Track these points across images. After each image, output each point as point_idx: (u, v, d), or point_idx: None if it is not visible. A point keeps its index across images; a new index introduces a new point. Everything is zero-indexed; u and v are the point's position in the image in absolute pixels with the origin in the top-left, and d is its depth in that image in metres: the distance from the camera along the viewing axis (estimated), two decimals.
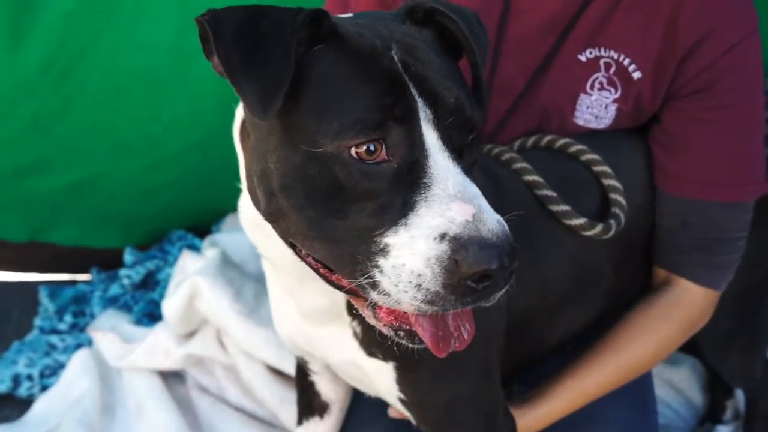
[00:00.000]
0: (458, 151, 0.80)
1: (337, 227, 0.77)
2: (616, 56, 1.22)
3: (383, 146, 0.76)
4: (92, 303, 1.94)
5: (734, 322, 1.41)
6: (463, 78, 0.86)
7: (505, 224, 0.75)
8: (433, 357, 0.83)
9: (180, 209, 2.10)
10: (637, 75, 1.22)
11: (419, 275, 0.72)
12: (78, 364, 1.72)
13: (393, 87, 0.77)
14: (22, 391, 1.72)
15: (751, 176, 1.20)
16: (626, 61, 1.22)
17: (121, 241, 2.11)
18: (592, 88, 1.25)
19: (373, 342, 1.02)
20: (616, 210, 1.19)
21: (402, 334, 0.82)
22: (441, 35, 0.89)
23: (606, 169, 1.22)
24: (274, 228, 0.85)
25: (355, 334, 1.04)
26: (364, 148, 0.75)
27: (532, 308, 1.18)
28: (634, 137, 1.29)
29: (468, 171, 0.80)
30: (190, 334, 1.72)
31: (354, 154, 0.75)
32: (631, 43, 1.21)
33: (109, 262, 2.11)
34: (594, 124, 1.28)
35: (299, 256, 0.86)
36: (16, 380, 1.73)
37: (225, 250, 1.80)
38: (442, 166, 0.76)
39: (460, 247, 0.70)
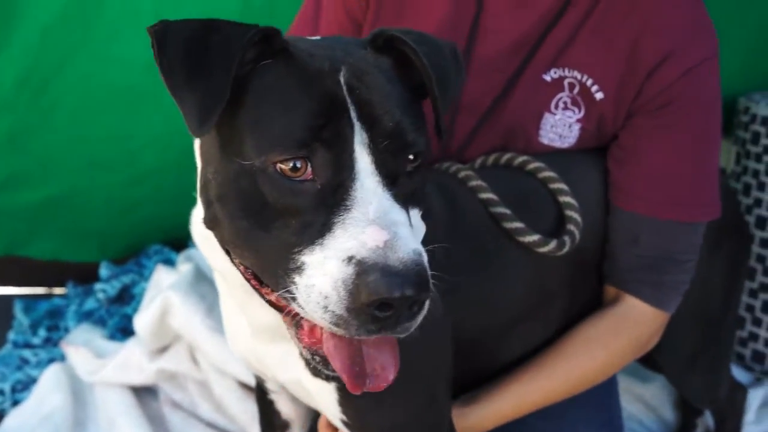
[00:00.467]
0: (392, 177, 0.80)
1: (264, 240, 0.78)
2: (579, 77, 1.24)
3: (308, 165, 0.77)
4: (67, 317, 1.94)
5: (696, 344, 1.42)
6: (415, 105, 0.87)
7: (423, 255, 0.74)
8: None
9: (157, 223, 2.11)
10: (599, 95, 1.24)
11: (326, 297, 0.72)
12: (50, 379, 1.72)
13: (328, 108, 0.77)
14: None
15: (702, 198, 1.22)
16: (589, 82, 1.24)
17: (97, 255, 2.11)
18: (556, 107, 1.27)
19: None
20: (571, 227, 1.19)
21: (318, 359, 0.82)
22: (405, 64, 0.90)
23: (562, 186, 1.23)
24: (214, 235, 0.86)
25: (301, 353, 1.04)
26: (290, 165, 0.76)
27: (483, 327, 1.18)
28: (592, 156, 1.31)
29: (400, 197, 0.79)
30: (163, 349, 1.72)
31: (279, 170, 0.76)
32: (594, 64, 1.23)
33: (85, 275, 2.10)
34: (558, 143, 1.29)
35: (233, 263, 0.87)
36: None
37: (199, 265, 1.81)
38: (368, 189, 0.76)
39: (363, 272, 0.70)
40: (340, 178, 0.77)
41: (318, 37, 0.94)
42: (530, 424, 1.24)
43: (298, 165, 0.76)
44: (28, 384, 1.76)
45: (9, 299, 2.01)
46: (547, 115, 1.27)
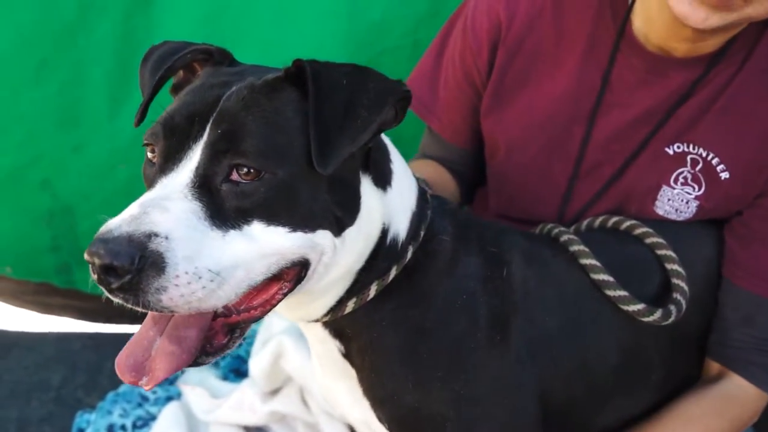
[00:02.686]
0: (210, 176, 0.84)
1: None
2: (704, 154, 1.22)
3: (154, 151, 0.89)
4: None
5: None
6: (292, 130, 0.86)
7: (152, 237, 0.77)
8: None
9: None
10: (725, 175, 1.21)
11: None
12: (169, 417, 1.80)
13: (191, 110, 0.87)
14: None
15: None
16: (715, 161, 1.22)
17: None
18: (675, 181, 1.25)
19: None
20: (677, 296, 1.16)
21: None
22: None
23: (670, 253, 1.20)
24: None
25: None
26: (149, 148, 0.90)
27: (576, 397, 1.16)
28: (703, 226, 1.28)
29: (210, 198, 0.83)
30: (275, 392, 1.79)
31: (148, 150, 0.91)
32: (721, 143, 1.21)
33: None
34: (673, 216, 1.27)
35: None
36: (111, 430, 1.82)
37: None
38: (173, 177, 0.84)
39: None
40: (168, 165, 0.86)
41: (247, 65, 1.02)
42: None
43: (149, 153, 0.90)
44: (147, 420, 1.85)
45: (126, 337, 2.12)
46: (665, 187, 1.26)
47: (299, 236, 0.87)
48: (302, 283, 0.92)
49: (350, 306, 1.01)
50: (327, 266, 0.93)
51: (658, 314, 1.13)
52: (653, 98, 1.24)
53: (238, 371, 1.94)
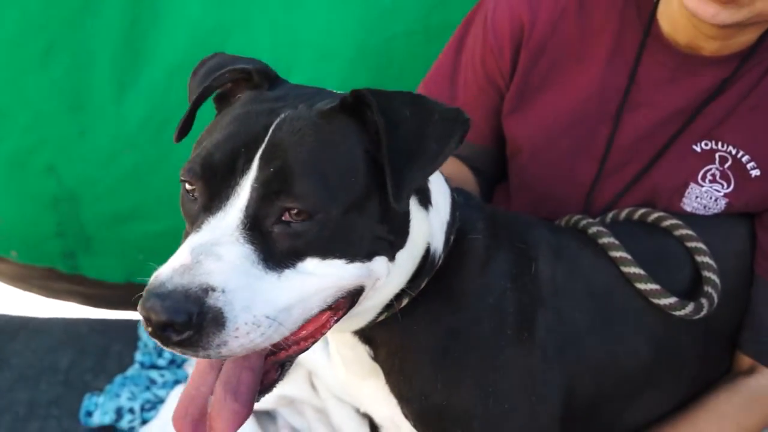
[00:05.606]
0: (261, 218, 0.81)
1: None
2: (734, 152, 1.22)
3: (194, 188, 0.86)
4: None
5: None
6: (344, 166, 0.84)
7: (209, 290, 0.74)
8: None
9: None
10: (755, 172, 1.21)
11: None
12: (177, 399, 1.82)
13: (234, 145, 0.84)
14: (124, 423, 1.82)
15: None
16: (745, 158, 1.22)
17: None
18: (703, 179, 1.25)
19: None
20: (708, 289, 1.15)
21: None
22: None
23: (700, 245, 1.19)
24: None
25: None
26: (186, 184, 0.87)
27: (604, 391, 1.15)
28: (735, 219, 1.27)
29: (261, 241, 0.79)
30: None
31: (185, 185, 0.87)
32: (752, 141, 1.21)
33: None
34: (702, 213, 1.27)
35: None
36: (119, 413, 1.84)
37: None
38: (220, 219, 0.80)
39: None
40: (215, 204, 0.82)
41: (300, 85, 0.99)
42: None
43: (188, 186, 0.86)
44: (155, 404, 1.87)
45: (134, 323, 2.14)
46: (693, 185, 1.25)
47: (356, 266, 0.85)
48: (354, 308, 0.92)
49: (382, 315, 1.02)
50: (378, 290, 0.93)
51: (689, 308, 1.12)
52: (682, 96, 1.23)
53: None
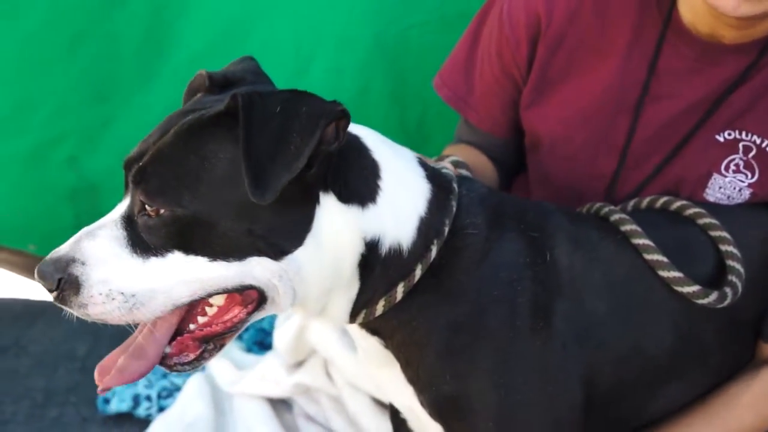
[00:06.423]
0: (132, 208, 0.93)
1: None
2: (758, 141, 1.21)
3: None
4: None
5: None
6: (195, 160, 0.90)
7: (66, 258, 0.90)
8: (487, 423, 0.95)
9: None
10: None
11: None
12: (193, 388, 1.82)
13: (144, 143, 0.96)
14: (141, 411, 1.83)
15: None
16: None
17: None
18: (726, 169, 1.24)
19: None
20: (732, 278, 1.13)
21: None
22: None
23: (724, 234, 1.16)
24: None
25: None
26: None
27: (626, 381, 1.14)
28: (759, 208, 1.26)
29: (134, 232, 0.91)
30: (299, 364, 1.80)
31: None
32: None
33: None
34: (725, 203, 1.26)
35: None
36: (136, 400, 1.84)
37: None
38: (118, 207, 0.95)
39: None
40: (124, 195, 0.96)
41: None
42: None
43: None
44: (172, 391, 1.87)
45: None
46: (716, 175, 1.25)
47: (222, 265, 0.91)
48: (267, 303, 0.97)
49: (380, 308, 1.01)
50: (289, 287, 0.95)
51: (713, 296, 1.10)
52: (704, 86, 1.22)
53: (261, 344, 1.96)
